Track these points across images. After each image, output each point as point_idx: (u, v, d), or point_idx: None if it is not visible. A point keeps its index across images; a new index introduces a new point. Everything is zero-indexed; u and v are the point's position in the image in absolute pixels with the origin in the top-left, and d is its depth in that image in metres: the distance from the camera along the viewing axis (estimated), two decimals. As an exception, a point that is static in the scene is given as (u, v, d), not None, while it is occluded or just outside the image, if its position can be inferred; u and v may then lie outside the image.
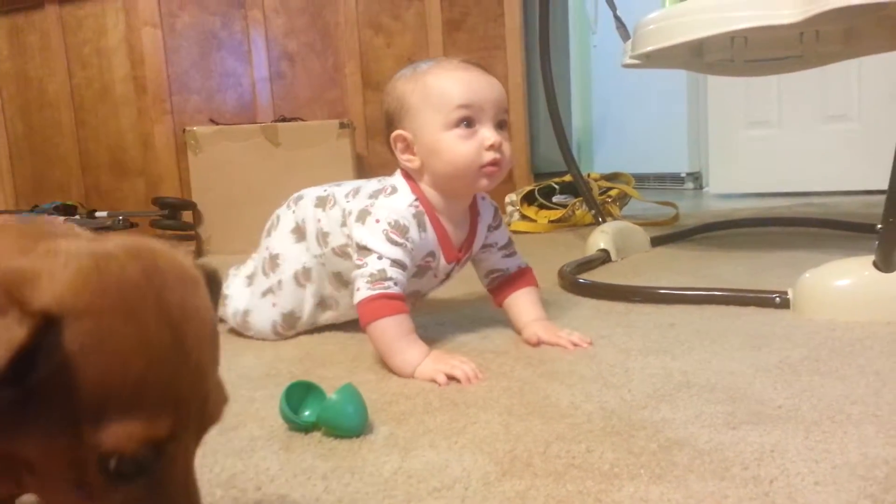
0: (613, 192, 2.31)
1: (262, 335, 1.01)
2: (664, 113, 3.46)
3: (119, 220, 2.09)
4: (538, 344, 0.90)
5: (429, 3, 2.46)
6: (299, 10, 2.35)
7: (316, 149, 2.11)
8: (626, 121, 3.74)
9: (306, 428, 0.66)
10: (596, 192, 2.22)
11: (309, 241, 0.97)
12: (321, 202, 0.97)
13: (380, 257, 0.84)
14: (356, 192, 0.94)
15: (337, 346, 0.96)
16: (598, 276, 1.35)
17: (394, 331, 0.83)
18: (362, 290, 0.84)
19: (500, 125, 0.88)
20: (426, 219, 0.89)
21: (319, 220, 0.96)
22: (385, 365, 0.85)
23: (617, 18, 1.56)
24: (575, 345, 0.89)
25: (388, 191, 0.90)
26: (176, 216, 2.06)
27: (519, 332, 0.95)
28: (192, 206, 2.08)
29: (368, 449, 0.62)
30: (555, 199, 2.38)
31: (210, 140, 2.07)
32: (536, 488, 0.53)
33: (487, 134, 0.86)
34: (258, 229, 1.06)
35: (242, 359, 0.94)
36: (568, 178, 2.28)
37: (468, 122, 0.86)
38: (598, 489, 0.52)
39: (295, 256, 0.99)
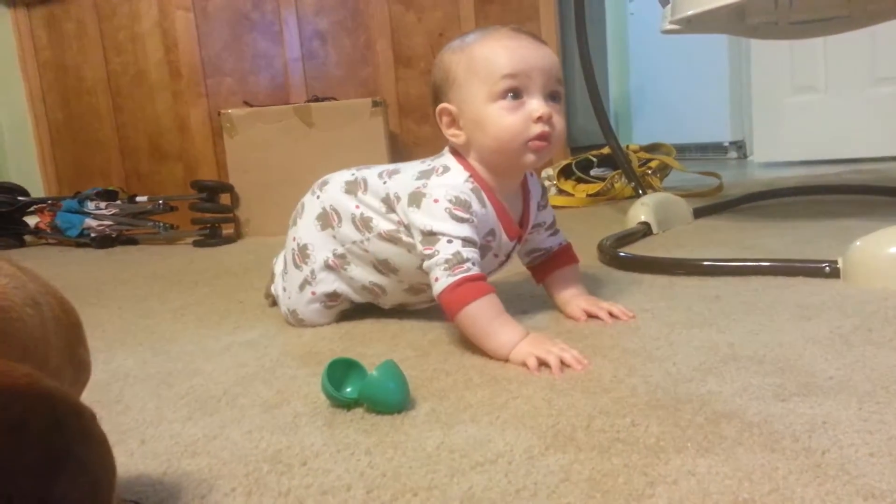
0: (654, 164, 2.27)
1: (318, 323, 0.98)
2: (705, 80, 3.38)
3: (159, 204, 2.13)
4: (583, 318, 0.89)
5: (460, -24, 2.42)
6: (330, -11, 2.34)
7: (349, 128, 2.11)
8: (666, 90, 3.66)
9: (348, 404, 0.67)
10: (635, 163, 2.18)
11: (343, 228, 0.92)
12: (351, 187, 0.92)
13: (449, 240, 0.79)
14: (391, 172, 0.90)
15: (376, 324, 0.97)
16: (639, 249, 1.33)
17: (485, 314, 0.78)
18: (442, 280, 0.78)
19: (553, 96, 0.82)
20: (483, 195, 0.84)
21: (358, 206, 0.91)
22: (424, 343, 0.85)
23: (655, -17, 1.51)
24: (614, 316, 0.88)
25: (440, 170, 0.85)
26: (214, 199, 2.08)
27: (560, 309, 0.94)
28: (229, 188, 2.11)
29: (410, 424, 0.62)
30: (593, 172, 2.35)
31: (245, 122, 2.08)
32: (581, 462, 0.52)
33: (536, 105, 0.80)
34: (294, 210, 1.04)
35: (283, 338, 0.95)
36: (606, 150, 2.25)
37: (515, 93, 0.80)
38: (644, 462, 0.51)
39: (322, 244, 0.94)
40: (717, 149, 3.50)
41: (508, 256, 0.92)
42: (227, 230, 2.12)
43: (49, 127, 2.48)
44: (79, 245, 2.18)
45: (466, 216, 0.81)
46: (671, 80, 3.60)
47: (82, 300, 1.35)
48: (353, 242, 0.92)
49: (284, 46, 2.31)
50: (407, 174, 0.88)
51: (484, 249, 0.86)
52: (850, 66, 2.66)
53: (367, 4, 2.37)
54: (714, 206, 1.75)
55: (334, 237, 0.94)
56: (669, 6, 1.41)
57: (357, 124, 2.11)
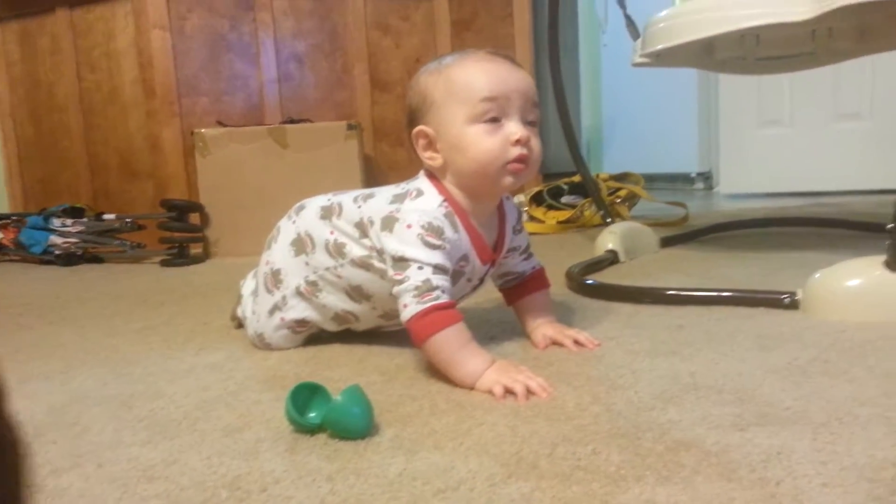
0: (622, 193, 2.30)
1: (284, 347, 0.97)
2: (674, 112, 3.45)
3: (127, 222, 2.10)
4: (542, 346, 0.90)
5: (437, 4, 2.46)
6: (308, 12, 2.35)
7: (324, 150, 2.11)
8: (636, 120, 3.72)
9: (312, 429, 0.66)
10: (605, 192, 2.21)
11: (317, 254, 0.92)
12: (327, 212, 0.92)
13: (420, 266, 0.79)
14: (367, 196, 0.90)
15: (343, 348, 0.96)
16: (607, 277, 1.34)
17: (453, 343, 0.78)
18: (411, 306, 0.78)
19: (530, 119, 0.83)
20: (457, 219, 0.84)
21: (332, 232, 0.90)
22: (391, 368, 0.85)
23: (627, 17, 1.55)
24: (579, 344, 0.89)
25: (414, 194, 0.85)
26: (184, 218, 2.06)
27: (528, 334, 0.95)
28: (199, 208, 2.09)
29: (374, 451, 0.62)
30: (563, 199, 2.38)
31: (218, 142, 2.08)
32: (542, 490, 0.52)
33: (514, 128, 0.80)
34: (266, 232, 1.02)
35: (249, 361, 0.94)
36: (577, 178, 2.27)
37: (494, 117, 0.81)
38: (605, 491, 0.52)
39: (295, 270, 0.94)
40: (684, 179, 3.57)
41: (482, 280, 0.92)
42: (196, 250, 2.10)
43: (17, 142, 2.44)
44: (42, 262, 2.14)
45: (438, 243, 0.81)
46: (642, 111, 3.67)
47: (44, 318, 1.33)
48: (326, 269, 0.91)
49: (261, 68, 2.32)
50: (381, 198, 0.88)
51: (457, 274, 0.86)
52: (814, 102, 2.74)
53: (345, 29, 2.39)
54: (680, 235, 1.78)
55: (307, 264, 0.93)
56: (640, 40, 1.45)
57: (332, 147, 2.12)
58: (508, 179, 0.83)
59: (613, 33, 3.73)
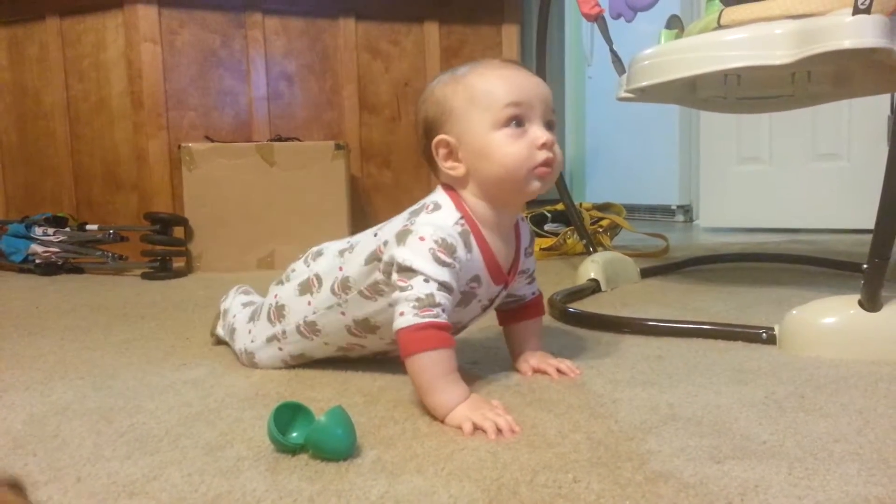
0: (605, 223, 2.33)
1: (271, 368, 0.97)
2: (656, 146, 3.51)
3: (110, 233, 2.08)
4: (529, 374, 0.90)
5: (427, 30, 2.49)
6: (299, 32, 2.38)
7: (311, 169, 2.12)
8: (619, 152, 3.78)
9: (294, 450, 0.66)
10: (587, 221, 2.24)
11: (321, 293, 0.91)
12: (341, 253, 0.91)
13: (426, 280, 0.76)
14: (385, 224, 0.88)
15: (326, 368, 0.96)
16: (588, 305, 1.36)
17: (437, 367, 0.76)
18: (408, 315, 0.76)
19: (549, 125, 0.83)
20: (472, 238, 0.82)
21: (341, 269, 0.89)
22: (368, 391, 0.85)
23: (613, 52, 1.58)
24: (561, 372, 0.89)
25: (431, 208, 0.82)
26: (167, 231, 2.05)
27: (513, 360, 0.95)
28: (184, 222, 2.08)
29: (356, 472, 0.62)
30: (546, 227, 2.40)
31: (205, 157, 2.08)
32: (522, 517, 0.53)
33: (539, 133, 0.80)
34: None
35: (230, 378, 0.94)
36: (560, 206, 2.30)
37: (518, 121, 0.80)
38: (584, 520, 0.52)
39: (298, 310, 0.93)
40: (665, 211, 3.62)
41: (492, 302, 0.90)
42: (178, 264, 2.09)
43: (1, 149, 2.42)
44: (21, 271, 2.11)
45: (449, 261, 0.78)
46: (624, 144, 3.72)
47: (22, 328, 1.31)
48: (328, 308, 0.90)
49: (251, 85, 2.33)
50: (399, 218, 0.87)
51: (469, 296, 0.85)
52: (792, 142, 2.81)
53: (336, 50, 2.41)
54: (660, 267, 1.81)
55: (309, 303, 0.92)
56: (625, 75, 1.48)
57: (319, 166, 2.13)
58: (535, 184, 0.81)
59: (598, 67, 3.80)
